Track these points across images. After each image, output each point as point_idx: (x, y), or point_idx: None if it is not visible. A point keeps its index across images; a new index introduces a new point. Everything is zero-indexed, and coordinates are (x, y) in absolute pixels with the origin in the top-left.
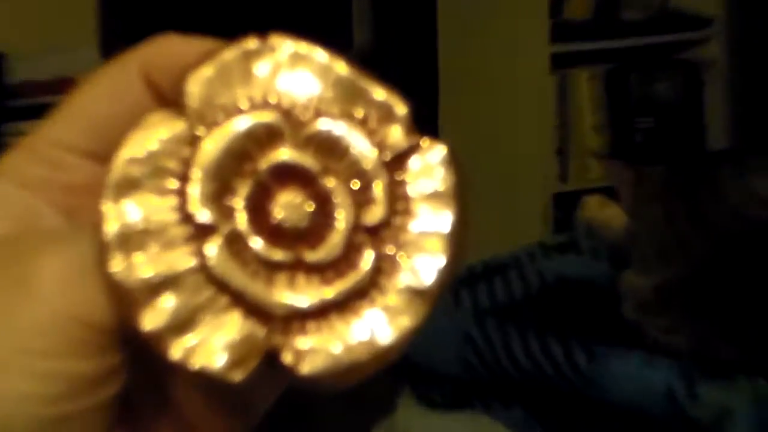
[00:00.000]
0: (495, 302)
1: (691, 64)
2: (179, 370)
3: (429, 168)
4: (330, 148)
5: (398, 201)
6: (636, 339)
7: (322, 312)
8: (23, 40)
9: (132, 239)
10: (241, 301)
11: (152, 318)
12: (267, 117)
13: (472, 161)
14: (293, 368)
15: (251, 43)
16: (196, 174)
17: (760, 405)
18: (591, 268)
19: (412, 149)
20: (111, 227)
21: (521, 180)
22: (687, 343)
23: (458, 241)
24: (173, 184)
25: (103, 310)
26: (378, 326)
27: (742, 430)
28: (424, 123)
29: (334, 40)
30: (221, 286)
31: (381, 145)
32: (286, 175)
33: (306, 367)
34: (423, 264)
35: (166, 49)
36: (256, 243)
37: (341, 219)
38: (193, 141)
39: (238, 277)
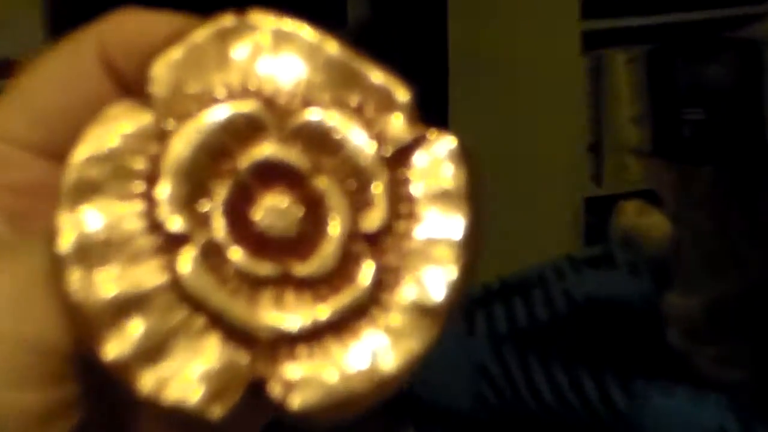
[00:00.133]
0: (515, 327)
1: (748, 44)
2: (148, 404)
3: (436, 164)
4: (321, 143)
5: (401, 203)
6: (682, 371)
7: (314, 335)
8: None
9: (92, 252)
10: (220, 323)
11: (116, 344)
12: (247, 107)
13: (488, 159)
14: (282, 401)
15: (227, 20)
16: (166, 175)
17: None
18: (629, 286)
19: (417, 142)
20: (67, 238)
21: (546, 181)
22: (743, 375)
23: (472, 249)
24: (139, 186)
25: (58, 333)
26: (379, 350)
27: None
28: (432, 112)
29: (325, 17)
30: (197, 305)
31: (380, 138)
32: (271, 174)
33: (297, 400)
34: (431, 277)
35: (128, 26)
36: (237, 255)
37: (335, 225)
38: (162, 136)
39: (217, 295)
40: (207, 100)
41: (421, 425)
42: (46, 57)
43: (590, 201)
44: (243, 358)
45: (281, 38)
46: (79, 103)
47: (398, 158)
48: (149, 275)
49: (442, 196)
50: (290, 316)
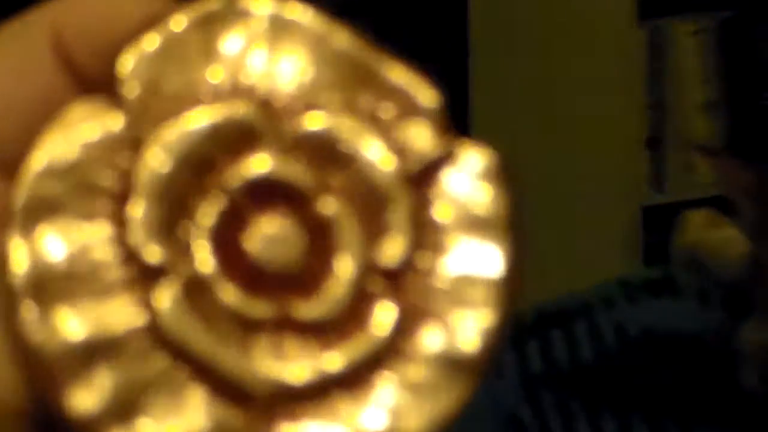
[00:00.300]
0: (553, 367)
1: None
2: None
3: (469, 184)
4: (328, 156)
5: (426, 232)
6: (759, 420)
7: (320, 390)
8: None
9: (51, 285)
10: (206, 374)
11: (83, 398)
12: (238, 110)
13: (520, 159)
14: None
15: (214, 3)
16: (140, 193)
17: None
18: (695, 317)
19: (445, 157)
20: (20, 268)
21: (593, 187)
22: None
23: (511, 289)
24: (107, 206)
25: (11, 385)
26: (399, 410)
27: None
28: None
29: None
30: (178, 352)
31: (400, 151)
32: (267, 194)
33: None
34: (462, 322)
35: (88, 8)
36: (226, 292)
37: (346, 258)
38: (134, 145)
39: (202, 340)
40: (189, 101)
41: None
42: None
43: (649, 211)
44: (235, 417)
45: (280, 26)
46: (29, 103)
47: (422, 176)
48: (121, 315)
49: (476, 224)
50: (291, 367)
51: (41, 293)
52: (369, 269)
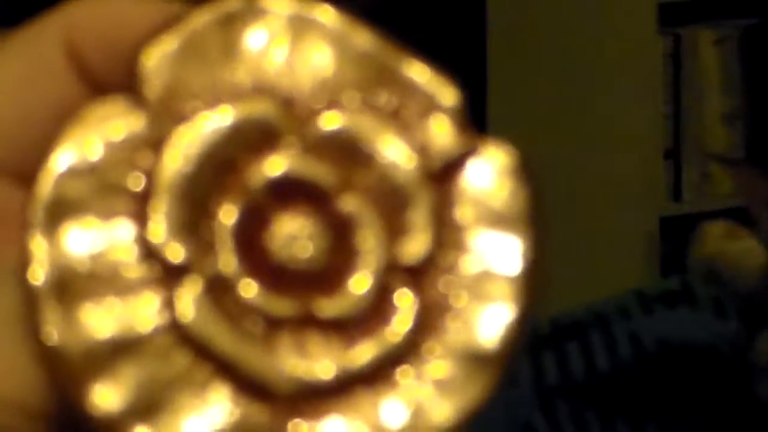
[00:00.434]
0: (568, 378)
1: None
2: None
3: (490, 182)
4: (349, 155)
5: (447, 229)
6: None
7: (343, 386)
8: None
9: (73, 286)
10: (229, 372)
11: (106, 396)
12: (259, 109)
13: (538, 169)
14: None
15: (234, 2)
16: (162, 192)
17: None
18: (711, 328)
19: (466, 155)
20: (42, 270)
21: (611, 197)
22: None
23: (533, 285)
24: (129, 206)
25: (34, 386)
26: (422, 405)
27: None
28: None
29: None
30: (201, 350)
31: (421, 150)
32: (289, 192)
33: None
34: (483, 318)
35: (101, 11)
36: (249, 290)
37: (368, 256)
38: (155, 144)
39: (225, 338)
40: (210, 100)
41: None
42: None
43: (667, 221)
44: (258, 414)
45: (300, 25)
46: (42, 109)
47: (443, 174)
48: (143, 313)
49: (497, 220)
50: (314, 364)
51: (63, 293)
52: (391, 266)
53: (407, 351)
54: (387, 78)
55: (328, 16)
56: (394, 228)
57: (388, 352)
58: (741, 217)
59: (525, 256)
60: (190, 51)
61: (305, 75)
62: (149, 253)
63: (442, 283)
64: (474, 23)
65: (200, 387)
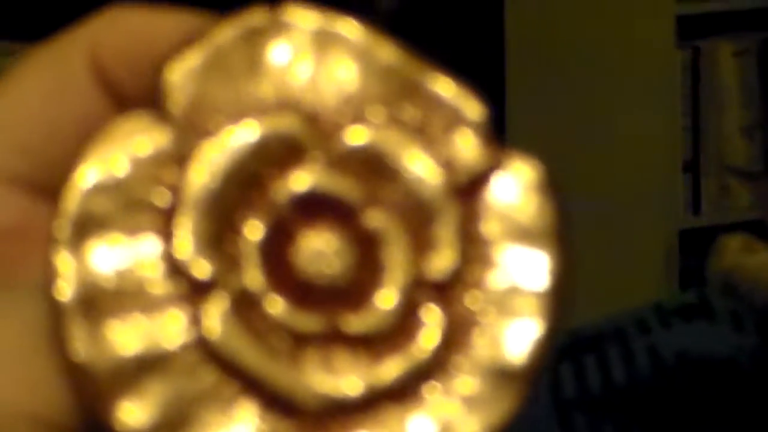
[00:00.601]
0: (586, 392)
1: None
2: None
3: (516, 196)
4: (375, 170)
5: (473, 244)
6: None
7: (371, 403)
8: None
9: (99, 302)
10: (256, 388)
11: (133, 412)
12: (284, 124)
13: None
14: None
15: (257, 17)
16: (187, 208)
17: None
18: (730, 342)
19: (492, 170)
20: (68, 286)
21: (631, 209)
22: None
23: (560, 300)
24: (155, 221)
25: (60, 401)
26: (449, 422)
27: None
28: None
29: (349, 5)
30: (228, 367)
31: (447, 165)
32: (315, 208)
33: None
34: (511, 334)
35: (126, 26)
36: (276, 306)
37: (395, 271)
38: (180, 160)
39: (252, 354)
40: (235, 116)
41: None
42: (21, 67)
43: (686, 234)
44: (285, 430)
45: (325, 40)
46: (67, 125)
47: (469, 189)
48: (170, 330)
49: (524, 235)
50: (342, 380)
51: (90, 309)
52: (418, 282)
53: (434, 367)
54: (412, 92)
55: (352, 30)
56: (421, 243)
57: (416, 368)
58: (760, 230)
59: (552, 271)
60: (214, 66)
61: (330, 90)
62: (175, 269)
63: (469, 299)
64: (492, 39)
65: (227, 403)
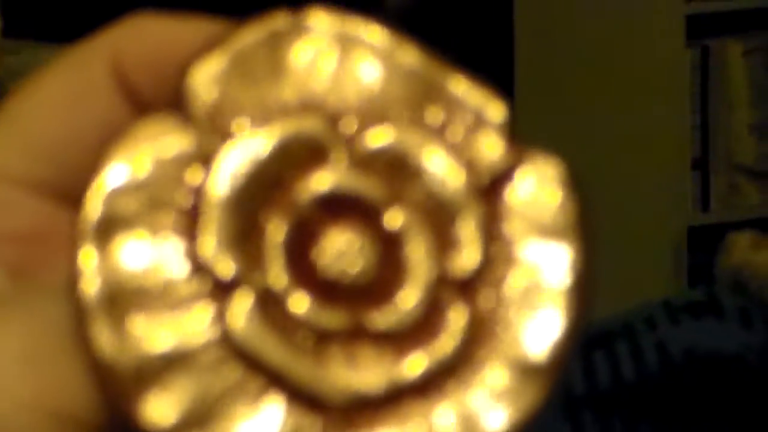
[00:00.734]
0: (595, 388)
1: None
2: None
3: (539, 194)
4: (397, 170)
5: (496, 242)
6: None
7: (395, 399)
8: None
9: (124, 301)
10: (281, 385)
11: (159, 409)
12: (306, 126)
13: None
14: None
15: (279, 21)
16: (211, 208)
17: None
18: (738, 338)
19: (514, 168)
20: (93, 283)
21: (640, 207)
22: None
23: (583, 296)
24: (179, 221)
25: (85, 399)
26: (475, 417)
27: None
28: None
29: (358, 2)
30: (253, 364)
31: (470, 164)
32: (337, 208)
33: None
34: (534, 330)
35: (148, 33)
36: (300, 304)
37: (418, 269)
38: (204, 161)
39: (276, 351)
40: (258, 118)
41: None
42: (45, 74)
43: (694, 231)
44: (310, 426)
45: (347, 42)
46: (89, 131)
47: (491, 188)
48: (195, 328)
49: (546, 232)
50: (366, 375)
51: (114, 307)
52: (441, 280)
53: (458, 363)
54: (434, 93)
55: (374, 32)
56: (444, 242)
57: (440, 365)
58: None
59: (575, 267)
60: (237, 69)
61: (352, 92)
62: (199, 268)
63: (492, 296)
64: (501, 40)
65: (252, 399)
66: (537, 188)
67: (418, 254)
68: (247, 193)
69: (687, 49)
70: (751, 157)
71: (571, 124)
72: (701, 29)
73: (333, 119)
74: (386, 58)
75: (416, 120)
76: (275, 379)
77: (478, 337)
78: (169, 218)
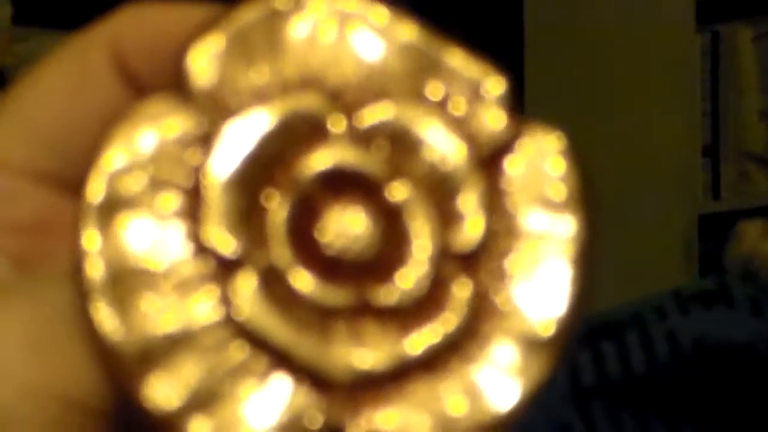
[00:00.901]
0: (604, 379)
1: None
2: None
3: (540, 167)
4: (398, 145)
5: (498, 216)
6: None
7: (401, 374)
8: None
9: (128, 282)
10: (287, 363)
11: (164, 390)
12: (306, 103)
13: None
14: None
15: (278, 0)
16: (212, 187)
17: None
18: (749, 328)
19: (515, 141)
20: (96, 266)
21: (650, 194)
22: None
23: (587, 268)
24: (181, 202)
25: (90, 384)
26: (481, 392)
27: None
28: None
29: None
30: (258, 343)
31: (471, 138)
32: (339, 184)
33: None
34: (538, 303)
35: (148, 21)
36: (304, 282)
37: (421, 244)
38: (204, 141)
39: (281, 330)
40: (258, 96)
41: None
42: (45, 65)
43: (705, 219)
44: (317, 403)
45: (345, 18)
46: (89, 119)
47: (493, 160)
48: (199, 308)
49: (549, 204)
50: (371, 352)
51: (118, 289)
52: (445, 254)
53: (463, 339)
54: (434, 68)
55: (372, 8)
56: (447, 216)
57: (445, 340)
58: None
59: (578, 238)
60: (236, 47)
61: (351, 68)
62: (202, 248)
63: (496, 269)
64: (511, 29)
65: (258, 379)
66: (538, 160)
67: (420, 229)
68: (249, 172)
69: (697, 35)
70: (761, 145)
71: (580, 112)
72: (711, 15)
73: (333, 95)
74: (385, 34)
75: (416, 95)
76: (280, 358)
77: (483, 311)
78: (171, 199)
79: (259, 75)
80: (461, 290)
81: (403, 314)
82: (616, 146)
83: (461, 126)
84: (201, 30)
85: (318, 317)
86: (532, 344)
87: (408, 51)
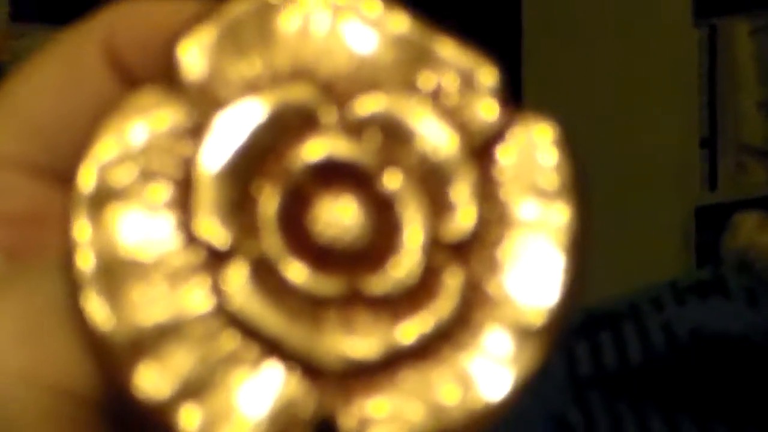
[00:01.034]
0: (601, 369)
1: None
2: None
3: (533, 156)
4: (390, 135)
5: (490, 205)
6: None
7: (393, 363)
8: None
9: (118, 273)
10: (278, 353)
11: (154, 379)
12: (298, 93)
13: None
14: None
15: None
16: (203, 178)
17: None
18: (744, 319)
19: (507, 131)
20: (87, 256)
21: (648, 186)
22: None
23: (579, 257)
24: (172, 193)
25: (82, 373)
26: (473, 380)
27: None
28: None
29: None
30: (249, 332)
31: (463, 128)
32: (331, 175)
33: None
34: (531, 292)
35: (140, 14)
36: (295, 271)
37: (413, 233)
38: (195, 132)
39: (273, 319)
40: (249, 87)
41: None
42: (38, 59)
43: (702, 211)
44: (308, 392)
45: (337, 10)
46: (82, 112)
47: (485, 150)
48: (190, 298)
49: (541, 194)
50: (363, 341)
51: (108, 279)
52: (436, 243)
53: (455, 327)
54: (426, 59)
55: (364, 1)
56: (438, 206)
57: (437, 329)
58: None
59: (570, 227)
60: (227, 38)
61: (343, 58)
62: (193, 239)
63: (488, 258)
64: (509, 19)
65: (249, 369)
66: (531, 149)
67: (412, 218)
68: (240, 163)
69: (694, 29)
70: (759, 137)
71: (577, 104)
72: (709, 9)
73: (325, 87)
74: (377, 25)
75: (408, 85)
76: (272, 348)
77: (475, 300)
78: (162, 190)
79: (250, 67)
80: (453, 279)
81: (395, 303)
82: (613, 139)
83: (453, 116)
84: (192, 22)
85: (309, 306)
86: (524, 333)
87: (400, 42)
